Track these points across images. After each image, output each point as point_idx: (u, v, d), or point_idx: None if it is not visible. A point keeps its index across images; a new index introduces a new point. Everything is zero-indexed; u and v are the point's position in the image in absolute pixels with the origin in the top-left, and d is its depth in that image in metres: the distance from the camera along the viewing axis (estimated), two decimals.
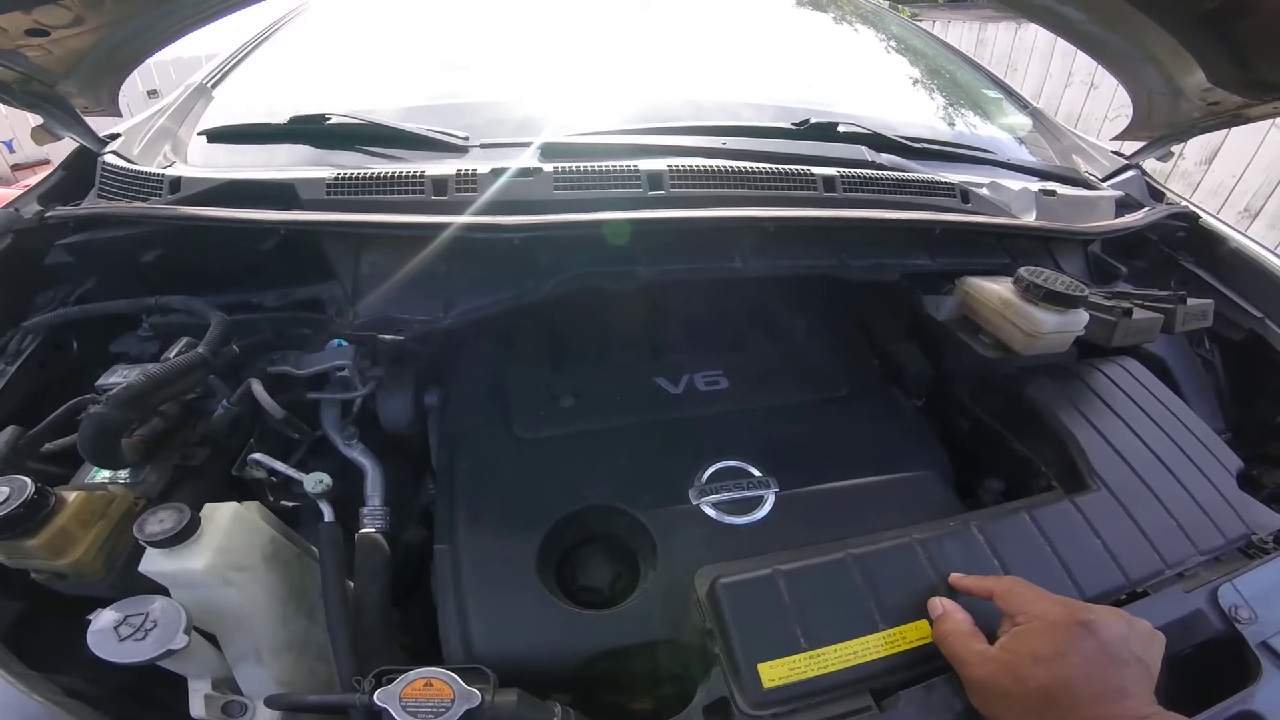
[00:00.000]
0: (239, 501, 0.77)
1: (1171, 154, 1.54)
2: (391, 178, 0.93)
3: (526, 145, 1.06)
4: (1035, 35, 6.20)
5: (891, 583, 0.71)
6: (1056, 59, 6.03)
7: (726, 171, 0.99)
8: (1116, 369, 1.05)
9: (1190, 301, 1.06)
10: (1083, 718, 0.55)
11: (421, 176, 0.92)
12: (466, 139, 1.08)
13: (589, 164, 0.95)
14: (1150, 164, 1.61)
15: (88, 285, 1.04)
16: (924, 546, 0.74)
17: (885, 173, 1.08)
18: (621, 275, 0.92)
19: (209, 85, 1.39)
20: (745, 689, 0.62)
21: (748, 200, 0.97)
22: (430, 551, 0.86)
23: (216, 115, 1.30)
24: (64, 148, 1.18)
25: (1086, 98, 5.76)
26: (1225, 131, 4.31)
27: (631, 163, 0.96)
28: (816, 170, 1.02)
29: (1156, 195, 1.54)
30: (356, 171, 0.94)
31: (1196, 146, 4.75)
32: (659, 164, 0.96)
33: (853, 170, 1.05)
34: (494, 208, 0.89)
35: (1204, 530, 0.83)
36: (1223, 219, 1.50)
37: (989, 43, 6.96)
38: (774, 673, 0.63)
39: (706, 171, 0.98)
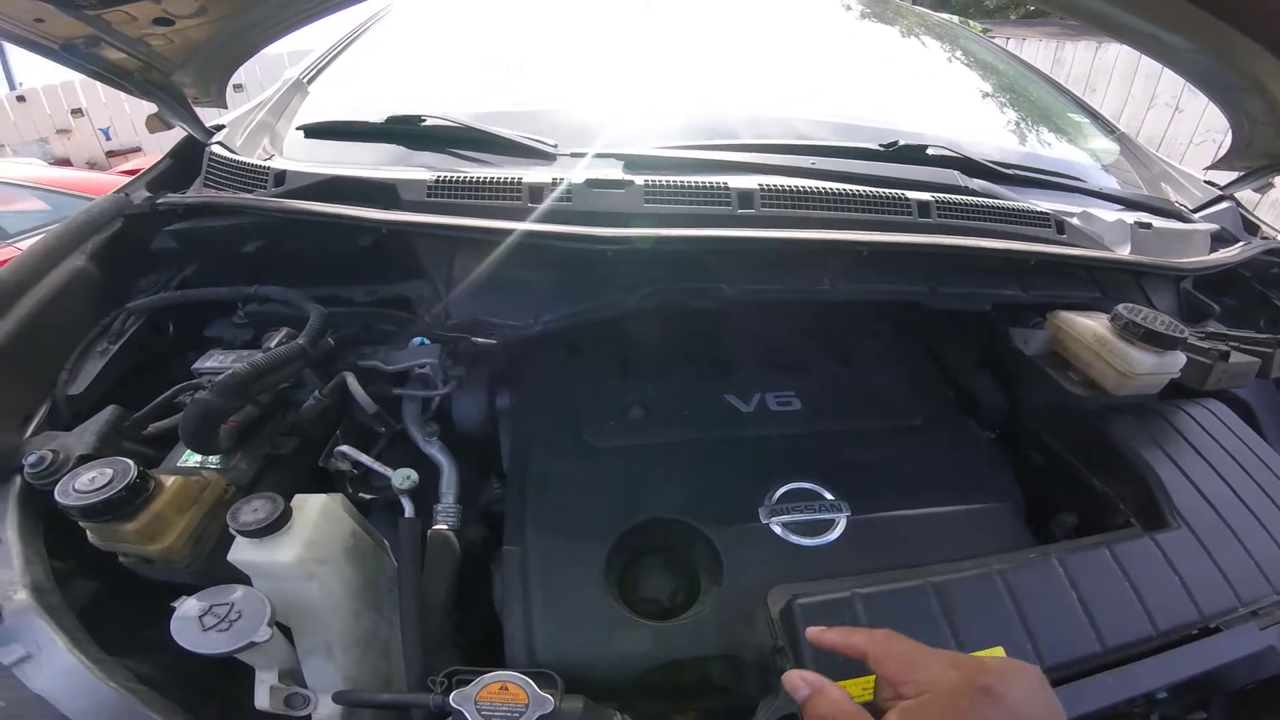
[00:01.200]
0: (321, 492, 0.79)
1: (1271, 185, 1.48)
2: (489, 183, 0.94)
3: (613, 156, 1.06)
4: (1117, 55, 5.93)
5: (968, 611, 0.71)
6: (1139, 80, 5.75)
7: (818, 192, 0.98)
8: (1201, 410, 1.02)
9: None
10: None
11: (519, 183, 0.94)
12: (555, 146, 1.09)
13: (679, 178, 0.95)
14: (1242, 194, 1.55)
15: (188, 271, 1.08)
16: (1003, 577, 0.74)
17: (980, 199, 1.06)
18: (706, 292, 0.92)
19: (305, 81, 1.43)
20: None
21: (839, 223, 0.96)
22: (489, 552, 0.88)
23: (311, 111, 1.34)
24: (156, 137, 1.23)
25: (1171, 120, 5.51)
26: None
27: (722, 179, 0.96)
28: (911, 195, 1.01)
29: (1250, 228, 1.48)
30: (456, 175, 0.96)
31: None
32: (750, 182, 0.96)
33: (947, 196, 1.03)
34: (585, 218, 0.90)
35: None
36: None
37: (1066, 62, 6.68)
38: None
39: (797, 191, 0.97)
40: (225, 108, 1.23)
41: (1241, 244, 1.33)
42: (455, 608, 0.86)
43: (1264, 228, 1.49)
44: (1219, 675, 0.73)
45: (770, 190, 0.96)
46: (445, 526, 0.87)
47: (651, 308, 0.91)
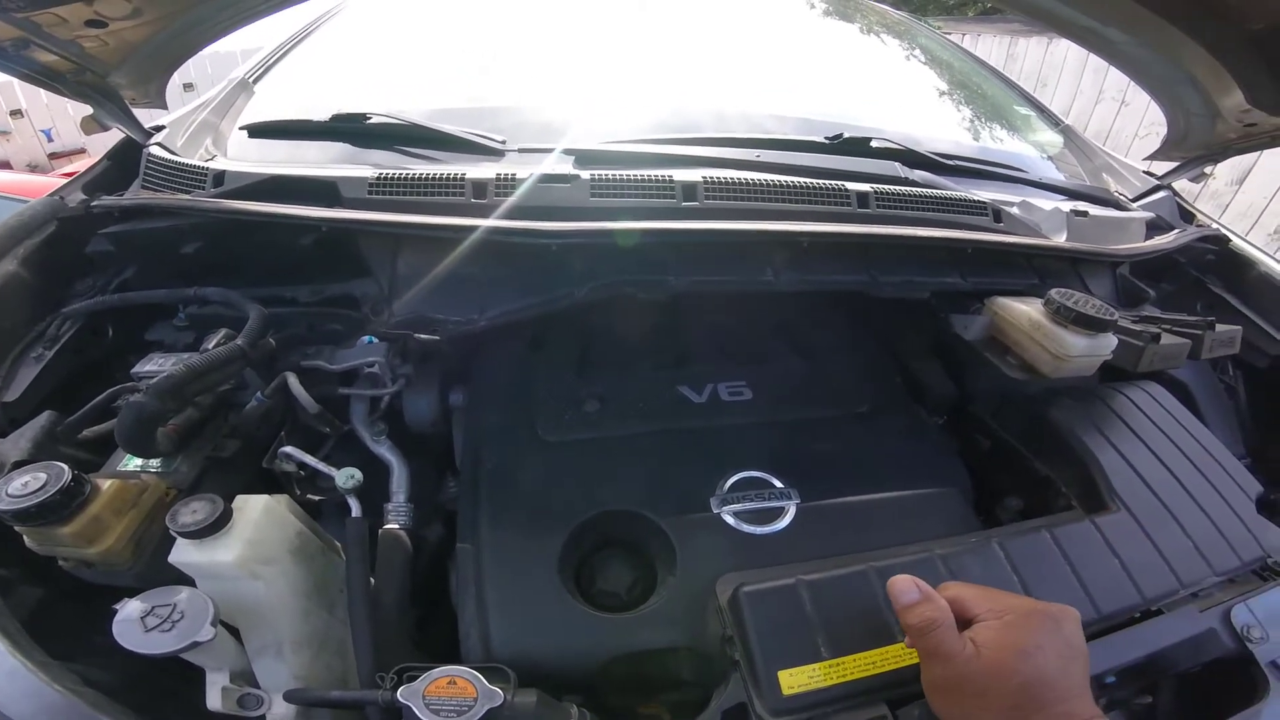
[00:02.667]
0: (267, 494, 0.78)
1: (1205, 175, 1.53)
2: (433, 179, 0.94)
3: (562, 151, 1.07)
4: (1066, 51, 6.16)
5: None
6: (1088, 75, 5.98)
7: (761, 185, 0.99)
8: (1139, 392, 1.06)
9: (1218, 328, 1.06)
10: (1052, 715, 0.53)
11: (462, 179, 0.94)
12: (504, 143, 1.09)
13: (625, 172, 0.96)
14: (1180, 184, 1.60)
15: (126, 274, 1.06)
16: (945, 561, 0.75)
17: (918, 190, 1.08)
18: (653, 284, 0.92)
19: (250, 81, 1.41)
20: (764, 695, 0.63)
21: (782, 214, 0.97)
22: (447, 550, 0.87)
23: (257, 110, 1.32)
24: (100, 138, 1.20)
25: (1117, 114, 5.71)
26: (1258, 153, 4.26)
27: (667, 173, 0.97)
28: (851, 186, 1.02)
29: (1187, 217, 1.53)
30: (398, 172, 0.96)
31: (1228, 167, 4.71)
32: (694, 175, 0.97)
33: (886, 187, 1.05)
34: (531, 213, 0.90)
35: (1220, 552, 0.84)
36: (1253, 242, 1.49)
37: (1019, 57, 6.91)
38: (794, 680, 0.64)
39: (741, 184, 0.98)
40: (165, 108, 1.21)
41: (1176, 231, 1.38)
42: (415, 605, 0.86)
43: (1200, 216, 1.54)
44: (1162, 658, 0.74)
45: (714, 183, 0.97)
46: (396, 525, 0.86)
47: (599, 300, 0.91)
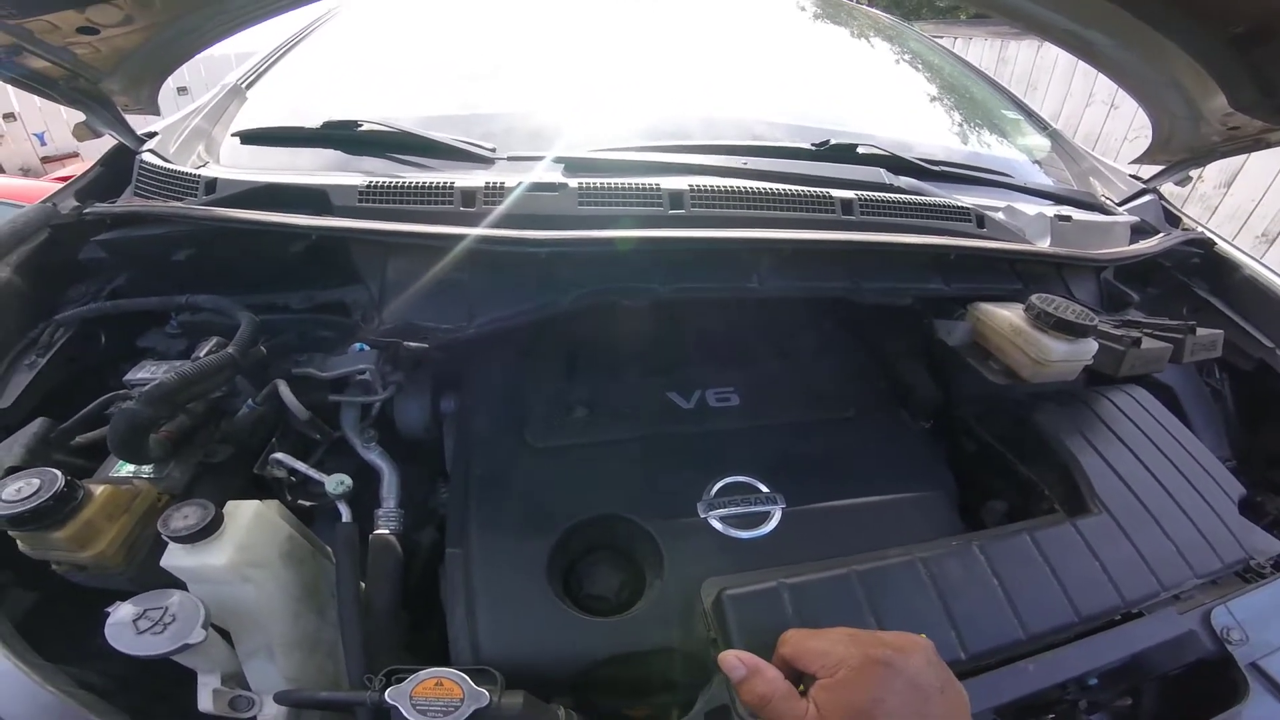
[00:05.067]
0: (259, 500, 0.80)
1: (1190, 178, 1.55)
2: (422, 187, 0.95)
3: (551, 159, 1.08)
4: (1057, 54, 6.20)
5: (893, 599, 0.73)
6: (1078, 79, 6.03)
7: (746, 192, 1.00)
8: (1123, 396, 1.07)
9: (1200, 332, 1.07)
10: None
11: (451, 188, 0.95)
12: (494, 151, 1.10)
13: (612, 180, 0.97)
14: (1168, 187, 1.62)
15: (119, 281, 1.07)
16: (926, 565, 0.76)
17: (903, 196, 1.09)
18: (640, 292, 0.93)
19: (243, 86, 1.42)
20: None
21: (767, 221, 0.99)
22: (440, 554, 0.89)
23: (250, 117, 1.33)
24: (94, 142, 1.21)
25: (1107, 118, 5.76)
26: (1245, 156, 4.29)
27: (654, 181, 0.98)
28: (835, 193, 1.04)
29: (1173, 220, 1.55)
30: (388, 180, 0.97)
31: (1215, 170, 4.75)
32: (680, 183, 0.98)
33: (870, 194, 1.06)
34: (519, 221, 0.91)
35: (1202, 554, 0.85)
36: (1239, 245, 1.51)
37: (1010, 61, 6.96)
38: None
39: (727, 192, 0.99)
40: (158, 114, 1.21)
41: (1161, 235, 1.40)
42: (407, 609, 0.87)
43: (1185, 219, 1.56)
44: (1143, 660, 0.75)
45: (700, 191, 0.98)
46: (387, 530, 0.87)
47: (586, 307, 0.93)
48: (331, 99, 1.39)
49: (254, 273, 1.03)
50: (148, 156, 1.10)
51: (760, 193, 1.01)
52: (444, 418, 1.04)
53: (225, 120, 1.30)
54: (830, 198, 1.02)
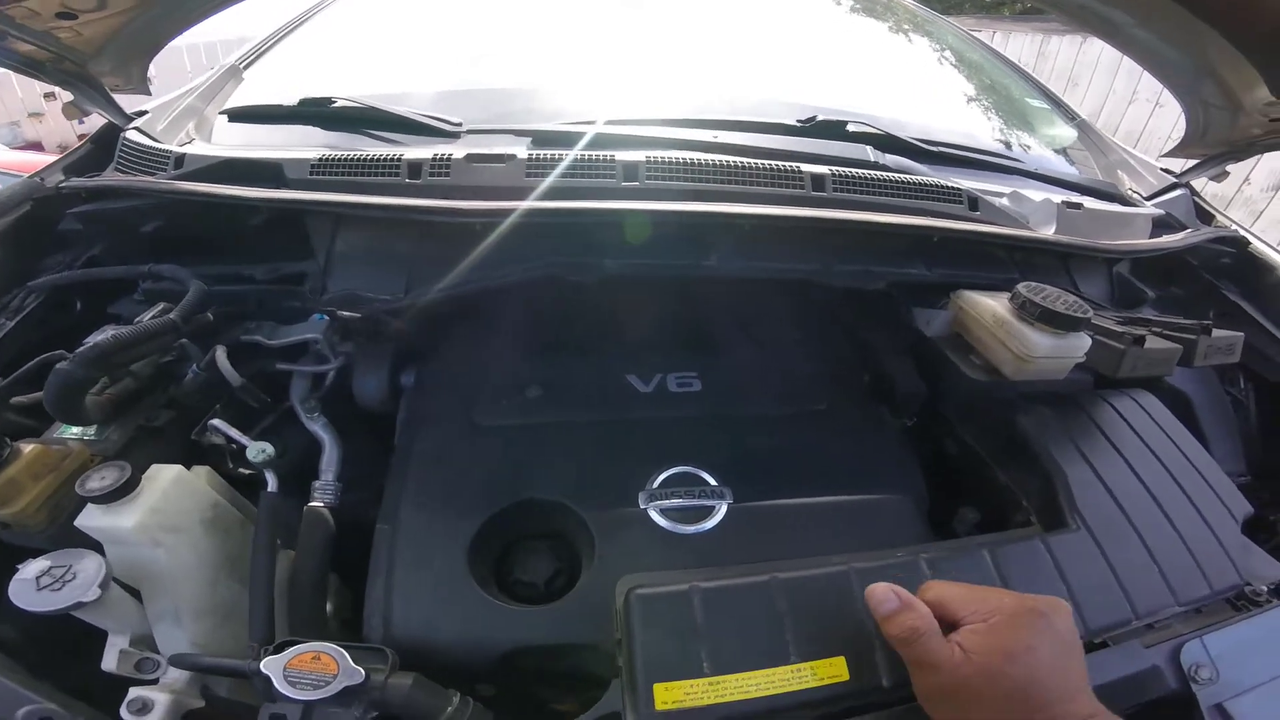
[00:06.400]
0: (191, 466, 0.79)
1: (1226, 173, 1.43)
2: (371, 160, 0.94)
3: (518, 132, 1.05)
4: (1100, 50, 5.94)
5: (816, 613, 0.65)
6: (1121, 75, 5.81)
7: (708, 165, 0.95)
8: (1127, 402, 0.97)
9: (1216, 333, 0.96)
10: (1050, 717, 0.52)
11: (399, 160, 0.93)
12: (459, 125, 1.08)
13: (564, 152, 0.94)
14: (1211, 190, 1.50)
15: (94, 251, 1.09)
16: (861, 576, 0.67)
17: (884, 174, 1.02)
18: (586, 267, 0.90)
19: (241, 67, 1.44)
20: (638, 708, 0.59)
21: (729, 196, 0.93)
22: None
23: (243, 96, 1.34)
24: None
25: (1151, 115, 5.53)
26: None
27: (609, 153, 0.94)
28: (806, 168, 0.97)
29: (1205, 217, 1.43)
30: (339, 153, 0.96)
31: (1264, 173, 4.48)
32: (636, 155, 0.94)
33: (847, 170, 1.00)
34: (465, 192, 0.89)
35: (1189, 579, 0.75)
36: (1277, 247, 1.38)
37: (1051, 56, 6.74)
38: (669, 695, 0.59)
39: (686, 164, 0.94)
40: (149, 94, 1.24)
41: (1187, 231, 1.29)
42: (350, 587, 0.85)
43: (1219, 217, 1.43)
44: (1101, 694, 0.68)
45: (657, 163, 0.93)
46: (321, 504, 0.85)
47: (530, 281, 0.90)
48: (324, 79, 1.40)
49: (222, 245, 1.04)
50: (131, 134, 1.13)
51: (723, 166, 0.95)
52: (403, 391, 1.02)
53: (220, 99, 1.33)
54: (800, 172, 0.96)
